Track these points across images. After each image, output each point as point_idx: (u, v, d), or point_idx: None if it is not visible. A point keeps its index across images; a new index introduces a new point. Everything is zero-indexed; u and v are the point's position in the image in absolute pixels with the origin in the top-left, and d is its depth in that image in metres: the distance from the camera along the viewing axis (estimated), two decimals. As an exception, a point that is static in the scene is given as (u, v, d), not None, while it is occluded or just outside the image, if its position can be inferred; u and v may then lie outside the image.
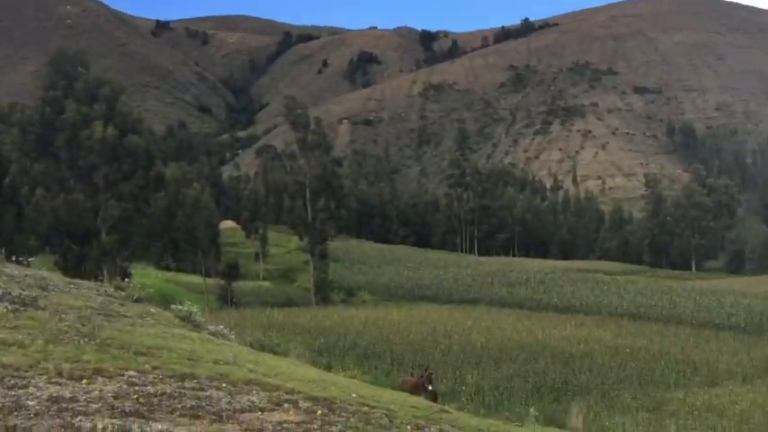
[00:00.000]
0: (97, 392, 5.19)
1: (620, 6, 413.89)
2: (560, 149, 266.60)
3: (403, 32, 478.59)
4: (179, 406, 5.30)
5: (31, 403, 4.93)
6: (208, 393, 5.64)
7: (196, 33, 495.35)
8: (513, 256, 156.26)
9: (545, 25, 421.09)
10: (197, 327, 11.26)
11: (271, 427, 5.10)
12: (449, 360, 44.28)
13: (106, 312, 9.15)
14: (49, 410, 4.79)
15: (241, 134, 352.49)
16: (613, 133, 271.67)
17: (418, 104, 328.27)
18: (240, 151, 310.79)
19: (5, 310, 8.54)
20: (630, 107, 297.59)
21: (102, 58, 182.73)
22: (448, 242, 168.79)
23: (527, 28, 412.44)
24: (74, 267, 63.33)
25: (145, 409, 5.11)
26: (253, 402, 5.59)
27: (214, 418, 5.18)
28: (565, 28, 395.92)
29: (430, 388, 16.44)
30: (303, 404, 5.65)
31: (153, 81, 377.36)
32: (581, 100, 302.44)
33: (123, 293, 12.18)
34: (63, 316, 8.49)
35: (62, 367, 5.69)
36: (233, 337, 12.80)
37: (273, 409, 5.50)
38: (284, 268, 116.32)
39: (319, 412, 5.34)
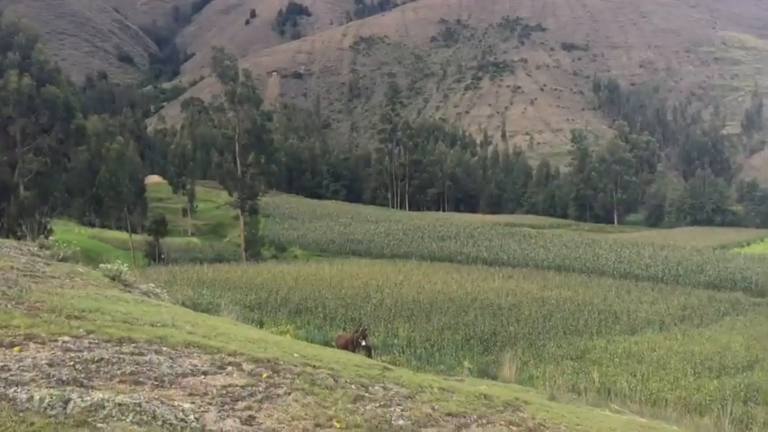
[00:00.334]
0: (30, 360, 4.93)
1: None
2: (490, 105, 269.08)
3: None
4: (118, 372, 5.08)
5: (-42, 375, 4.66)
6: (148, 358, 5.43)
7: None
8: (444, 210, 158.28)
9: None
10: (128, 286, 10.90)
11: (215, 391, 4.98)
12: (381, 314, 44.82)
13: (32, 273, 8.71)
14: (-20, 381, 4.53)
15: (166, 86, 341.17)
16: (542, 89, 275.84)
17: (349, 58, 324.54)
18: (165, 104, 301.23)
19: None
20: (558, 64, 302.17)
21: (15, 4, 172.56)
22: (379, 197, 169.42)
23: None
24: (-9, 224, 60.70)
25: (83, 376, 4.89)
26: (195, 366, 5.43)
27: (156, 383, 5.00)
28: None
29: (364, 343, 16.56)
30: (247, 366, 5.54)
31: (70, 29, 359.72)
32: (511, 56, 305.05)
33: (48, 252, 11.65)
34: (-15, 277, 8.09)
35: (-10, 334, 5.39)
36: (166, 296, 12.45)
37: (217, 373, 5.37)
38: (213, 224, 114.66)
39: (264, 375, 5.24)
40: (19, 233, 51.75)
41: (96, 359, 5.29)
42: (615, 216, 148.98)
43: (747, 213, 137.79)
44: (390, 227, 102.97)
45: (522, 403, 6.58)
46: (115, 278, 10.84)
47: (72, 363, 5.15)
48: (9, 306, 6.26)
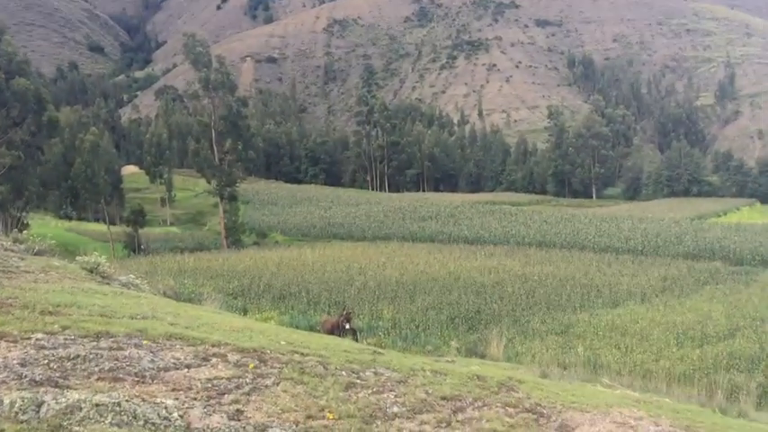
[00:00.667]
0: (1, 360, 4.63)
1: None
2: (466, 84, 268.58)
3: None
4: (96, 369, 4.79)
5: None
6: (127, 353, 5.13)
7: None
8: (423, 191, 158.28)
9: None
10: (106, 279, 10.60)
11: (200, 385, 4.72)
12: (365, 296, 44.75)
13: (4, 268, 8.36)
14: (-53, 384, 4.25)
15: (138, 74, 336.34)
16: (517, 66, 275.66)
17: (323, 40, 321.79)
18: (138, 93, 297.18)
19: None
20: (533, 40, 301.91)
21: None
22: (358, 180, 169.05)
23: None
24: (-36, 221, 59.62)
25: (58, 375, 4.60)
26: (178, 359, 5.15)
27: (136, 379, 4.73)
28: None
29: (348, 326, 16.39)
30: (232, 357, 5.28)
31: (39, 19, 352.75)
32: (485, 34, 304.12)
33: (22, 246, 11.29)
34: (-45, 275, 7.74)
35: (-42, 333, 5.09)
36: (146, 287, 12.16)
37: (201, 365, 5.10)
38: (192, 212, 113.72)
39: (251, 365, 5.00)
40: (-6, 229, 50.84)
41: (72, 356, 5.01)
42: (593, 190, 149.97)
43: (723, 183, 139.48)
44: (371, 209, 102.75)
45: (516, 383, 6.44)
46: (93, 270, 10.53)
47: (46, 361, 4.86)
48: (-21, 303, 5.93)
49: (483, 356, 15.48)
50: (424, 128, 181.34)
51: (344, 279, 50.40)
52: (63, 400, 4.13)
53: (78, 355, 4.92)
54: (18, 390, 4.22)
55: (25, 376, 4.52)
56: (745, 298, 45.68)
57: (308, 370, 5.12)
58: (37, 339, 5.13)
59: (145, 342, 5.31)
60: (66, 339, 5.23)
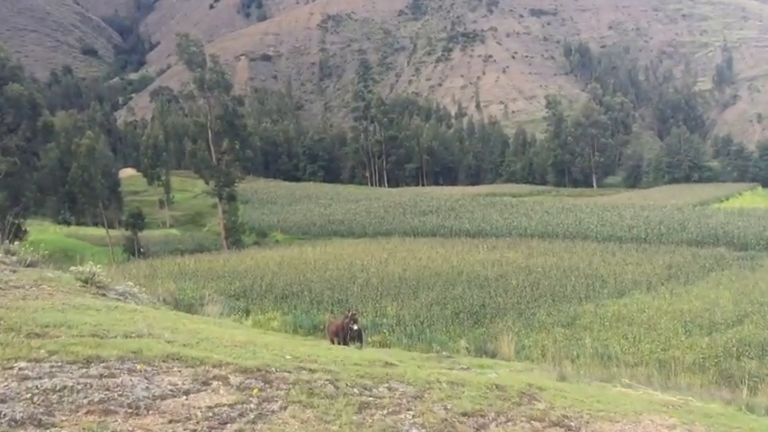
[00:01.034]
0: (-23, 398, 4.19)
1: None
2: (462, 76, 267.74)
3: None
4: (84, 401, 4.34)
5: None
6: (119, 380, 4.66)
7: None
8: (423, 185, 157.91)
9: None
10: (102, 289, 10.19)
11: (200, 414, 4.29)
12: (368, 294, 44.34)
13: (-6, 283, 7.98)
14: None
15: (133, 76, 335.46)
16: (513, 57, 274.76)
17: (317, 37, 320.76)
18: (133, 95, 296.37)
19: None
20: (528, 30, 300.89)
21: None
22: (357, 176, 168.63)
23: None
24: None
25: (41, 411, 4.15)
26: (175, 385, 4.71)
27: (130, 411, 4.28)
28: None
29: (355, 327, 16.01)
30: (234, 379, 4.86)
31: (31, 24, 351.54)
32: (480, 25, 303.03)
33: (14, 258, 10.89)
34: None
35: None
36: (144, 296, 11.76)
37: (200, 390, 4.66)
38: (191, 214, 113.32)
39: (255, 390, 4.59)
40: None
41: (58, 388, 4.55)
42: (594, 179, 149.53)
43: (723, 168, 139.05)
44: (371, 205, 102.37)
45: (537, 390, 6.07)
46: (87, 281, 10.13)
47: (29, 395, 4.39)
48: (-42, 328, 5.47)
49: (494, 355, 15.10)
50: (422, 121, 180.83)
51: (347, 277, 50.00)
52: (46, 441, 3.71)
53: (65, 386, 4.47)
54: (-5, 433, 3.80)
55: (5, 415, 4.08)
56: (751, 284, 45.31)
57: (318, 390, 4.71)
58: (20, 369, 4.68)
59: (139, 367, 4.87)
60: (52, 367, 4.78)
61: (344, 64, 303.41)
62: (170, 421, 4.13)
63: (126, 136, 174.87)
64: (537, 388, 6.18)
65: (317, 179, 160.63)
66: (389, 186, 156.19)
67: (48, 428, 3.85)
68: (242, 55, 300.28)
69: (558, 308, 40.46)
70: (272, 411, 4.35)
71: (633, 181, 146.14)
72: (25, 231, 69.29)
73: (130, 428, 4.01)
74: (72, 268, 10.66)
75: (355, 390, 4.93)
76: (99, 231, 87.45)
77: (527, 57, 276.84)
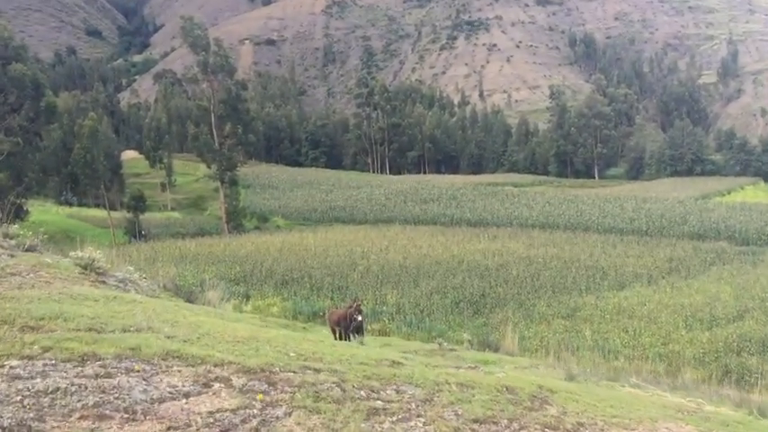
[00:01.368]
0: (-36, 402, 3.90)
1: None
2: (466, 64, 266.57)
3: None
4: (78, 405, 4.09)
5: None
6: (116, 381, 4.41)
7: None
8: (425, 173, 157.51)
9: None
10: (101, 275, 9.97)
11: (200, 421, 4.04)
12: (368, 281, 44.25)
13: (-10, 269, 7.73)
14: None
15: (136, 59, 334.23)
16: (517, 46, 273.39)
17: (322, 22, 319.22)
18: (137, 77, 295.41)
19: None
20: (533, 19, 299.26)
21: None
22: (359, 162, 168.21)
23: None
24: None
25: (32, 416, 3.88)
26: (175, 387, 4.47)
27: (126, 416, 4.01)
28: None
29: (359, 318, 15.84)
30: (237, 381, 4.64)
31: (35, 4, 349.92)
32: (485, 13, 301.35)
33: (12, 242, 10.65)
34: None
35: None
36: (144, 282, 11.56)
37: (201, 393, 4.43)
38: (193, 197, 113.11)
39: (260, 395, 4.37)
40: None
41: (51, 389, 4.27)
42: (596, 170, 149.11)
43: (726, 162, 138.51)
44: (372, 192, 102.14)
45: (548, 393, 5.88)
46: (87, 267, 9.91)
47: (19, 398, 4.11)
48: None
49: (496, 349, 14.93)
50: (425, 109, 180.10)
51: (347, 263, 49.89)
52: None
53: (59, 388, 4.19)
54: (-21, 442, 3.54)
55: (-9, 421, 3.77)
56: (753, 279, 45.17)
57: (324, 394, 4.50)
58: (11, 368, 4.40)
59: (137, 367, 4.62)
60: (45, 366, 4.51)
61: (348, 50, 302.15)
62: (168, 428, 3.88)
63: (129, 118, 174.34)
64: (548, 390, 5.99)
65: (318, 165, 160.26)
66: (391, 174, 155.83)
67: (38, 436, 3.60)
68: (246, 39, 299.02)
69: (559, 299, 40.36)
70: (277, 417, 4.12)
71: (635, 173, 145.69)
72: (27, 212, 69.17)
73: (126, 436, 3.77)
74: (71, 254, 10.43)
75: (362, 392, 4.72)
76: (101, 213, 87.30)
77: (531, 46, 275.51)
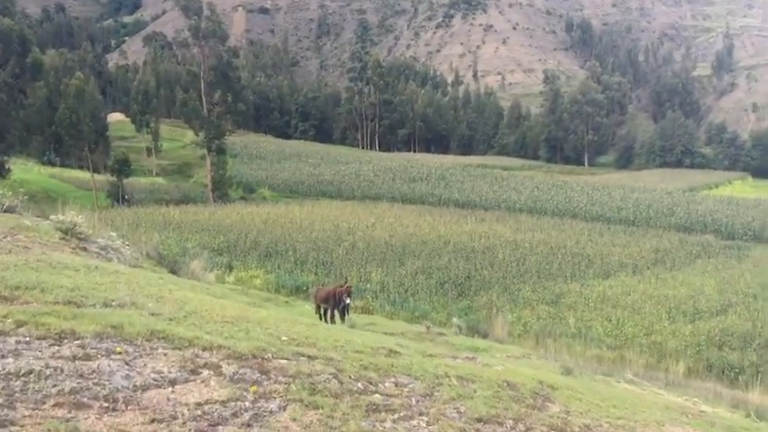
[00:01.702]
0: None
1: None
2: (462, 44, 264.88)
3: None
4: (53, 390, 3.69)
5: None
6: (96, 364, 3.99)
7: None
8: (414, 151, 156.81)
9: None
10: (83, 241, 9.55)
11: (188, 413, 3.64)
12: (353, 258, 43.99)
13: (-36, 232, 7.26)
14: None
15: (127, 20, 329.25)
16: (514, 28, 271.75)
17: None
18: (126, 38, 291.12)
19: None
20: (531, 2, 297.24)
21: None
22: (349, 137, 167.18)
23: None
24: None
25: (0, 402, 3.50)
26: (160, 373, 4.05)
27: (106, 405, 3.56)
28: None
29: (347, 301, 15.57)
30: (227, 368, 4.26)
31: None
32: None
33: (-10, 202, 10.18)
34: None
35: None
36: (127, 250, 11.14)
37: (188, 380, 4.03)
38: (179, 164, 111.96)
39: (253, 388, 4.02)
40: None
41: (24, 372, 3.81)
42: (585, 158, 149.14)
43: (716, 156, 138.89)
44: (361, 168, 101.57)
45: (549, 389, 5.61)
46: (68, 232, 9.49)
47: None
48: None
49: (485, 335, 14.72)
50: (418, 87, 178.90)
51: (333, 239, 49.58)
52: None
53: (32, 370, 3.71)
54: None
55: (-44, 409, 3.28)
56: (737, 274, 45.39)
57: (320, 386, 4.15)
58: None
59: (118, 349, 4.21)
60: (18, 343, 4.05)
61: (343, 23, 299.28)
62: (152, 420, 3.50)
63: (117, 80, 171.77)
64: (549, 387, 5.73)
65: (307, 138, 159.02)
66: (380, 150, 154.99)
67: (6, 427, 3.22)
68: (239, 6, 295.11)
69: (544, 285, 40.34)
70: (270, 412, 3.76)
71: (624, 162, 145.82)
72: (9, 170, 68.17)
73: (104, 428, 3.40)
74: (52, 217, 9.98)
75: (360, 384, 4.40)
76: (84, 175, 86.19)
77: (528, 29, 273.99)
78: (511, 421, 4.43)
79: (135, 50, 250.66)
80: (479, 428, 4.19)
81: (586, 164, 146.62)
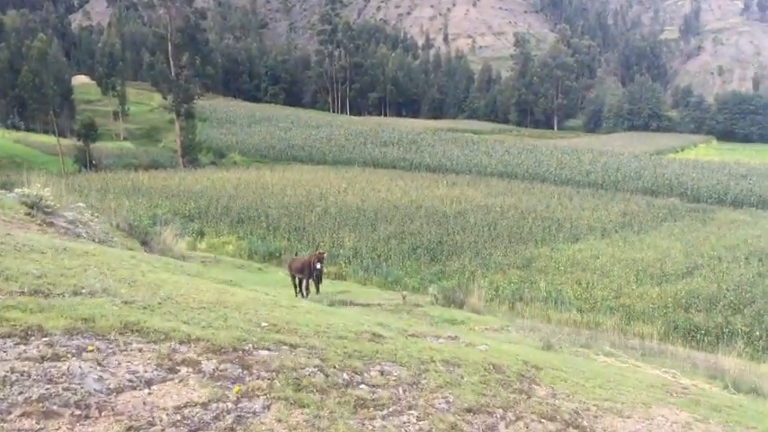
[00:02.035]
0: None
1: None
2: (432, 6, 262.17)
3: None
4: (20, 399, 3.35)
5: None
6: (66, 366, 3.67)
7: None
8: (385, 115, 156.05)
9: None
10: (49, 215, 9.19)
11: (166, 418, 3.38)
12: (325, 223, 43.80)
13: None
14: None
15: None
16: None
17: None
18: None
19: None
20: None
21: None
22: (319, 101, 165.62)
23: None
24: None
25: None
26: (135, 373, 3.76)
27: (78, 412, 3.28)
28: None
29: (318, 267, 15.46)
30: (207, 364, 4.02)
31: None
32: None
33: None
34: None
35: None
36: (95, 223, 10.78)
37: (166, 380, 3.77)
38: (147, 128, 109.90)
39: (236, 389, 3.80)
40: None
41: None
42: (555, 121, 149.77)
43: (682, 119, 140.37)
44: (332, 132, 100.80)
45: (534, 370, 5.53)
46: (34, 206, 9.13)
47: None
48: None
49: (461, 305, 14.71)
50: (388, 50, 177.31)
51: (305, 204, 49.33)
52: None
53: None
54: None
55: None
56: (702, 236, 46.13)
57: (305, 381, 3.94)
58: None
59: (90, 347, 3.92)
60: None
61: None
62: (128, 429, 3.22)
63: (80, 41, 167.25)
64: (533, 367, 5.65)
65: (277, 101, 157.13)
66: (351, 114, 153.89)
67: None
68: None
69: (515, 249, 40.58)
70: (254, 413, 3.54)
71: (593, 126, 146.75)
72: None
73: (77, 440, 3.14)
74: (17, 190, 9.57)
75: (345, 375, 4.22)
76: (50, 139, 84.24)
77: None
78: (500, 410, 4.32)
79: (99, 11, 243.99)
80: (470, 420, 4.08)
81: (556, 127, 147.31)
